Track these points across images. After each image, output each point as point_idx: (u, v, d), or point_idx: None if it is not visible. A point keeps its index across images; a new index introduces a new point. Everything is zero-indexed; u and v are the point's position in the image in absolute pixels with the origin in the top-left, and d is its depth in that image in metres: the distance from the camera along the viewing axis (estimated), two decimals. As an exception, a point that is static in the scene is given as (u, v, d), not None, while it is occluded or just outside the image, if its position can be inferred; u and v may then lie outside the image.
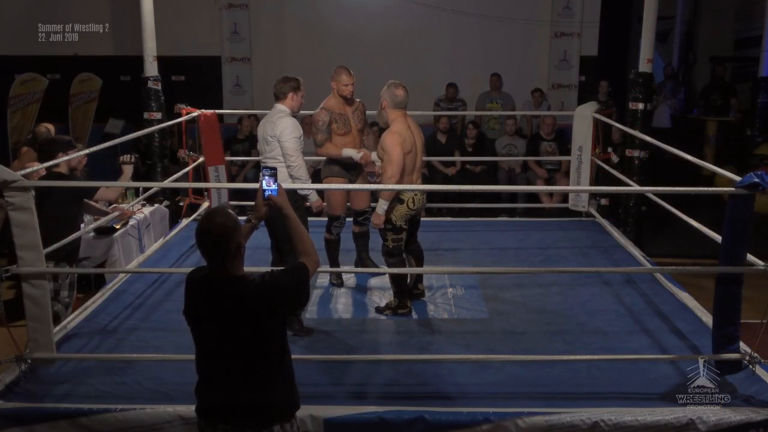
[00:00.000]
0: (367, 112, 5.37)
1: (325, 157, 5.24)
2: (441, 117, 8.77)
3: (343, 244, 5.43)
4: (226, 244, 2.55)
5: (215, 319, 2.60)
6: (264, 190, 2.81)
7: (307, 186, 4.59)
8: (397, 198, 4.55)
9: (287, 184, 4.39)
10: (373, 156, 5.14)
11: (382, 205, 4.52)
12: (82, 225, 5.52)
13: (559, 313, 4.81)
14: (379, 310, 4.82)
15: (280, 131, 4.51)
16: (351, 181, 5.22)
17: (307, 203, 4.71)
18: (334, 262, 5.33)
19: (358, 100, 5.23)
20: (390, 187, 4.44)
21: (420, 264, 4.95)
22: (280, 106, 4.62)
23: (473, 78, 9.65)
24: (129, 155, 5.23)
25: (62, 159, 4.58)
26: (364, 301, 5.04)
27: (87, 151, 4.75)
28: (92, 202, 5.35)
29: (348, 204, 5.38)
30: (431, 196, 8.07)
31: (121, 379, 3.83)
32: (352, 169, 5.22)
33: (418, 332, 4.54)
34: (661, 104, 10.87)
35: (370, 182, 8.47)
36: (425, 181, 8.47)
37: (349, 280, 5.40)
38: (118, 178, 5.18)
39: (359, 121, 5.19)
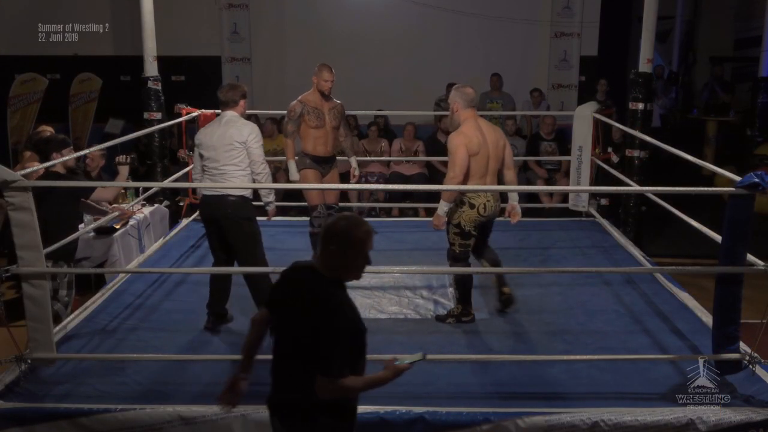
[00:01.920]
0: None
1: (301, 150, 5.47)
2: (443, 117, 8.76)
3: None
4: (329, 242, 2.58)
5: (287, 304, 2.62)
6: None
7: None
8: (468, 203, 4.42)
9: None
10: (352, 161, 5.67)
11: (443, 207, 4.40)
12: (82, 225, 5.53)
13: (559, 313, 4.81)
14: (440, 318, 4.70)
15: (250, 138, 4.42)
16: (322, 174, 5.44)
17: (269, 207, 4.77)
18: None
19: (338, 101, 5.47)
20: (382, 187, 4.45)
21: (499, 272, 4.78)
22: (233, 113, 4.53)
23: (473, 78, 9.59)
24: (125, 156, 5.23)
25: (59, 160, 4.53)
26: (364, 300, 5.03)
27: (85, 151, 4.76)
28: (91, 202, 5.34)
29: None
30: (432, 196, 8.10)
31: (121, 379, 3.83)
32: (324, 163, 5.44)
33: (418, 332, 4.54)
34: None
35: (370, 182, 8.48)
36: (426, 181, 8.50)
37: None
38: (115, 178, 5.17)
39: (335, 119, 5.41)
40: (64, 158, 4.59)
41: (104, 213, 5.56)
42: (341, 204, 7.84)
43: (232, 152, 4.39)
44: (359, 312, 2.63)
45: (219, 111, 5.58)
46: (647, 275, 5.41)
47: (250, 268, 4.41)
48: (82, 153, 4.83)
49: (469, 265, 4.63)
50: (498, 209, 4.57)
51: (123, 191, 6.46)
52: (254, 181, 4.46)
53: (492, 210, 4.49)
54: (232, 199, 4.34)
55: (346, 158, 5.89)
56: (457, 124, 4.48)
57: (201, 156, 4.50)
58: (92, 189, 5.00)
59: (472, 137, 4.35)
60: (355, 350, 2.57)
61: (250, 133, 4.43)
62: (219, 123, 4.52)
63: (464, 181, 4.35)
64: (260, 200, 4.92)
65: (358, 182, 8.25)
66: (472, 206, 4.42)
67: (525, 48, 10.11)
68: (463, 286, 4.61)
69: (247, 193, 4.45)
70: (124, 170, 5.16)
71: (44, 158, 4.65)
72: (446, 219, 4.46)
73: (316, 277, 2.60)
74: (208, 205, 4.45)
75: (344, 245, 2.56)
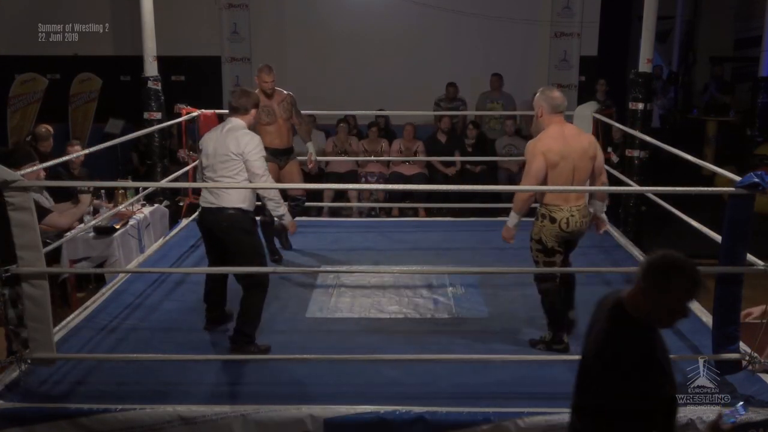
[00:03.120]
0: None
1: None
2: (443, 117, 8.77)
3: (339, 243, 5.40)
4: (644, 277, 2.26)
5: (588, 333, 2.49)
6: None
7: (273, 201, 4.35)
8: (549, 216, 4.01)
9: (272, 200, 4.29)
10: (309, 146, 5.88)
11: (513, 218, 4.08)
12: (81, 224, 5.52)
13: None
14: (533, 343, 4.29)
15: (248, 149, 4.11)
16: (280, 167, 5.63)
17: (284, 221, 4.53)
18: (270, 241, 5.76)
19: (287, 93, 5.66)
20: (382, 187, 4.41)
21: (569, 293, 4.33)
22: (239, 121, 4.24)
23: (473, 78, 9.65)
24: (88, 186, 5.09)
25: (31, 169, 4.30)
26: (364, 300, 5.04)
27: (77, 154, 4.74)
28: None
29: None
30: (432, 196, 8.11)
31: (121, 379, 3.83)
32: (280, 155, 5.64)
33: (418, 332, 4.54)
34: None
35: (371, 182, 8.48)
36: (426, 181, 8.51)
37: (350, 279, 5.40)
38: (77, 206, 4.98)
39: (285, 111, 5.61)
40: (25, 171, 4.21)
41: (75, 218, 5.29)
42: (342, 204, 7.85)
43: (227, 163, 4.11)
44: (660, 365, 2.24)
45: (219, 112, 5.60)
46: (647, 275, 5.39)
47: (254, 267, 4.18)
48: (53, 162, 4.62)
49: (556, 286, 4.17)
50: (585, 224, 4.12)
51: (123, 191, 6.47)
52: (260, 195, 4.26)
53: (577, 225, 4.03)
54: (230, 212, 4.11)
55: (350, 157, 5.95)
56: (540, 130, 4.08)
57: (202, 162, 4.31)
58: (44, 213, 4.58)
59: (553, 146, 3.93)
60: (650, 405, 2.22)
61: (248, 143, 4.11)
62: (221, 130, 4.28)
63: (547, 196, 4.00)
64: (262, 213, 4.91)
65: (357, 182, 8.29)
66: (553, 220, 4.00)
67: (525, 48, 10.10)
68: (553, 310, 4.18)
69: (246, 206, 4.17)
70: (86, 199, 4.92)
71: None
72: (516, 232, 4.12)
73: (617, 312, 2.31)
74: (205, 216, 4.25)
75: (659, 288, 2.20)
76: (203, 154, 4.27)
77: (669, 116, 11.89)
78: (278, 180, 5.51)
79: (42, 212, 4.44)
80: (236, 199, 4.13)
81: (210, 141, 4.25)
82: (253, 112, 4.31)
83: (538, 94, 4.12)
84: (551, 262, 4.12)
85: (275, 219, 4.92)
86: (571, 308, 4.37)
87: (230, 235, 4.16)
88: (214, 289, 4.52)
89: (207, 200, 4.20)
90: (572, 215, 4.01)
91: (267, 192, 4.26)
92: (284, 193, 5.77)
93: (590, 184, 4.17)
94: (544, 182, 3.97)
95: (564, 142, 3.97)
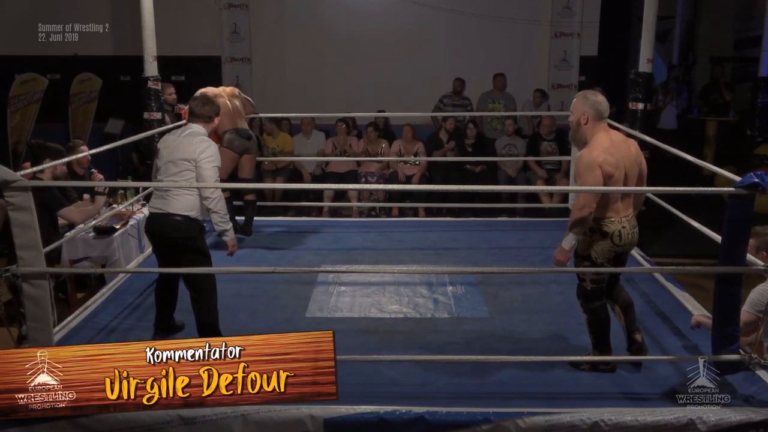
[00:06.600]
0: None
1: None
2: (448, 118, 8.77)
3: (339, 243, 5.39)
4: None
5: None
6: None
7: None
8: (599, 231, 3.75)
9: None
10: None
11: (569, 240, 3.74)
12: (80, 225, 5.52)
13: (559, 312, 4.80)
14: (575, 364, 3.96)
15: (203, 155, 4.00)
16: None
17: (225, 238, 4.20)
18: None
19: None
20: (382, 187, 4.38)
21: (627, 314, 4.02)
22: (199, 128, 4.16)
23: (473, 78, 9.66)
24: (105, 187, 5.18)
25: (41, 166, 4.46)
26: (364, 300, 5.04)
27: (84, 154, 4.76)
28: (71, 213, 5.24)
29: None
30: (432, 196, 8.12)
31: (121, 379, 3.82)
32: None
33: (418, 332, 4.54)
34: (668, 105, 10.88)
35: (370, 182, 8.47)
36: (427, 181, 8.51)
37: (350, 278, 5.40)
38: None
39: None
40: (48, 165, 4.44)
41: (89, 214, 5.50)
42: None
43: (180, 170, 4.02)
44: None
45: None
46: (647, 275, 5.41)
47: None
48: (61, 161, 4.76)
49: (604, 306, 3.93)
50: (636, 235, 3.84)
51: (123, 191, 6.47)
52: (206, 206, 4.02)
53: (629, 238, 3.78)
54: (176, 219, 4.00)
55: (350, 158, 5.98)
56: (583, 139, 3.77)
57: (156, 165, 4.20)
58: (60, 204, 4.82)
59: (609, 157, 3.65)
60: None
61: (204, 151, 4.01)
62: (179, 134, 4.17)
63: (596, 210, 3.68)
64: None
65: (357, 182, 8.29)
66: (604, 235, 3.74)
67: (525, 48, 10.11)
68: (599, 328, 3.92)
69: (193, 214, 4.04)
70: (101, 200, 5.06)
71: (38, 163, 4.64)
72: (571, 254, 3.82)
73: None
74: (151, 222, 4.15)
75: None
76: (158, 157, 4.18)
77: (680, 117, 11.86)
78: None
79: (59, 204, 4.74)
80: (183, 206, 4.01)
81: (166, 145, 4.16)
82: (216, 119, 4.26)
83: (579, 99, 3.79)
84: (600, 279, 3.86)
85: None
86: (637, 330, 4.00)
87: (174, 241, 4.06)
88: (164, 299, 4.41)
89: (155, 206, 4.10)
90: (623, 227, 3.75)
91: (214, 205, 4.03)
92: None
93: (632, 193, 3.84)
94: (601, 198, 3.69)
95: (616, 150, 3.71)
